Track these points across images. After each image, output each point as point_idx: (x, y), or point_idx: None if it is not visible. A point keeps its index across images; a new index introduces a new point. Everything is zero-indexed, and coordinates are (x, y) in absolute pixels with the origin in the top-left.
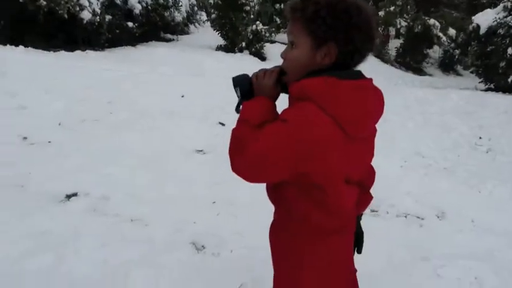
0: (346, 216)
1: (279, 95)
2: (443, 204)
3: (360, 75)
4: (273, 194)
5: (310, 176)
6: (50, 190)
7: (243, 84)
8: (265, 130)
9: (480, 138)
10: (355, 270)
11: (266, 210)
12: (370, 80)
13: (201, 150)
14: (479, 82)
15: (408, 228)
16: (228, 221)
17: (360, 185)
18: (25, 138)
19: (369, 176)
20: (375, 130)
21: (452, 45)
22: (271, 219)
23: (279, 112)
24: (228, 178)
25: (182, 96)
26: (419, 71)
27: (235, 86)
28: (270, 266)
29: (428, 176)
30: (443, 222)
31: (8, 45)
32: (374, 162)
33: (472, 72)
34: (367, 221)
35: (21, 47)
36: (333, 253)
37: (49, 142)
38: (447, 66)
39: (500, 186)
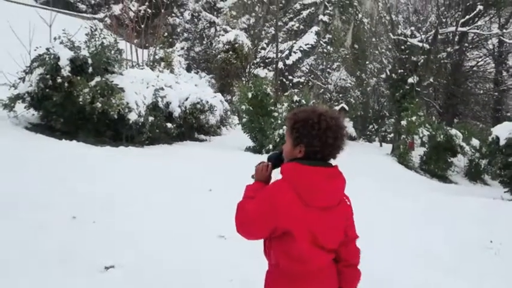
0: (310, 270)
1: (270, 178)
2: None
3: (322, 164)
4: (265, 250)
5: (279, 229)
6: (93, 262)
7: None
8: (256, 197)
9: (491, 241)
10: None
11: None
12: (332, 168)
13: (223, 236)
14: (505, 192)
15: None
16: None
17: (339, 257)
18: (74, 217)
19: (351, 252)
20: (346, 206)
21: (477, 154)
22: None
23: None
24: (243, 260)
25: (210, 190)
26: (444, 179)
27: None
28: None
29: (433, 271)
30: None
31: (63, 139)
32: (382, 255)
33: (500, 182)
34: None
35: (74, 141)
36: None
37: (94, 222)
38: (473, 175)
39: (502, 285)
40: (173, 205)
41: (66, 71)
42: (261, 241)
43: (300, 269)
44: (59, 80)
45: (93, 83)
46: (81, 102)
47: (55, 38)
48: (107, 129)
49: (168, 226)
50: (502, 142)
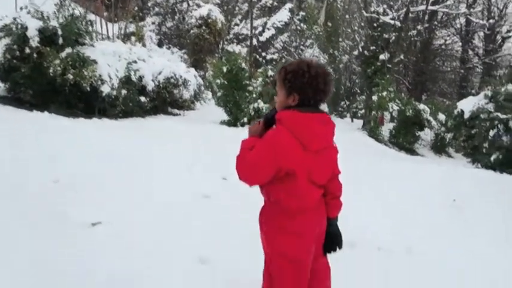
0: (308, 204)
1: (264, 132)
2: (411, 243)
3: (315, 110)
4: (262, 189)
5: (283, 170)
6: (79, 219)
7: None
8: (255, 146)
9: (454, 200)
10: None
11: (253, 241)
12: (324, 114)
13: (208, 196)
14: (468, 162)
15: (379, 259)
16: (225, 246)
17: (328, 191)
18: (56, 181)
19: (336, 186)
20: (333, 148)
21: (443, 129)
22: (255, 246)
23: None
24: (227, 216)
25: (189, 160)
26: (411, 152)
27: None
28: (255, 274)
29: (400, 222)
30: (410, 256)
31: (34, 111)
32: (355, 209)
33: (463, 155)
34: (345, 253)
35: (46, 112)
36: (296, 225)
37: (76, 185)
38: (439, 148)
39: (461, 233)
40: (156, 170)
41: (34, 42)
42: (243, 197)
43: (299, 204)
44: (27, 51)
45: (64, 54)
46: (51, 74)
47: (21, 8)
48: (78, 102)
49: (153, 188)
50: (467, 115)
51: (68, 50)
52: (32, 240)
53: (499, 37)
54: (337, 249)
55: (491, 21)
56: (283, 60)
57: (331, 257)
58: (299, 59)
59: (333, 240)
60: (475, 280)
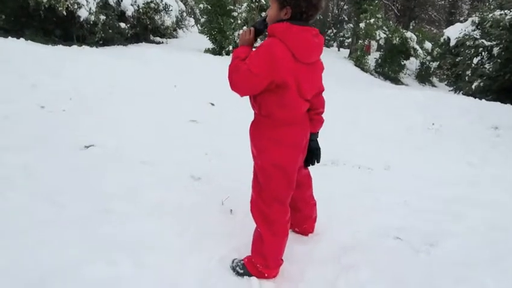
0: (297, 116)
1: (254, 42)
2: (390, 161)
3: (306, 24)
4: (253, 101)
5: (276, 81)
6: (71, 143)
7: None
8: (249, 56)
9: (433, 124)
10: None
11: (243, 157)
12: (315, 29)
13: (195, 120)
14: (450, 90)
15: (360, 174)
16: (217, 164)
17: (313, 106)
18: (43, 107)
19: (320, 102)
20: (321, 65)
21: (429, 58)
22: (246, 162)
23: None
24: (214, 138)
25: (175, 86)
26: (396, 81)
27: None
28: (246, 185)
29: (381, 144)
30: (388, 172)
31: (9, 37)
32: (340, 134)
33: (446, 84)
34: (328, 169)
35: (22, 39)
36: (286, 136)
37: (63, 110)
38: (423, 77)
39: (438, 152)
40: (142, 97)
41: None
42: (230, 121)
43: (289, 116)
44: None
45: None
46: None
47: None
48: (55, 28)
49: (141, 114)
50: (453, 43)
51: None
52: (35, 163)
53: None
54: (316, 162)
55: None
56: None
57: (316, 173)
58: None
59: (313, 153)
60: (445, 184)
